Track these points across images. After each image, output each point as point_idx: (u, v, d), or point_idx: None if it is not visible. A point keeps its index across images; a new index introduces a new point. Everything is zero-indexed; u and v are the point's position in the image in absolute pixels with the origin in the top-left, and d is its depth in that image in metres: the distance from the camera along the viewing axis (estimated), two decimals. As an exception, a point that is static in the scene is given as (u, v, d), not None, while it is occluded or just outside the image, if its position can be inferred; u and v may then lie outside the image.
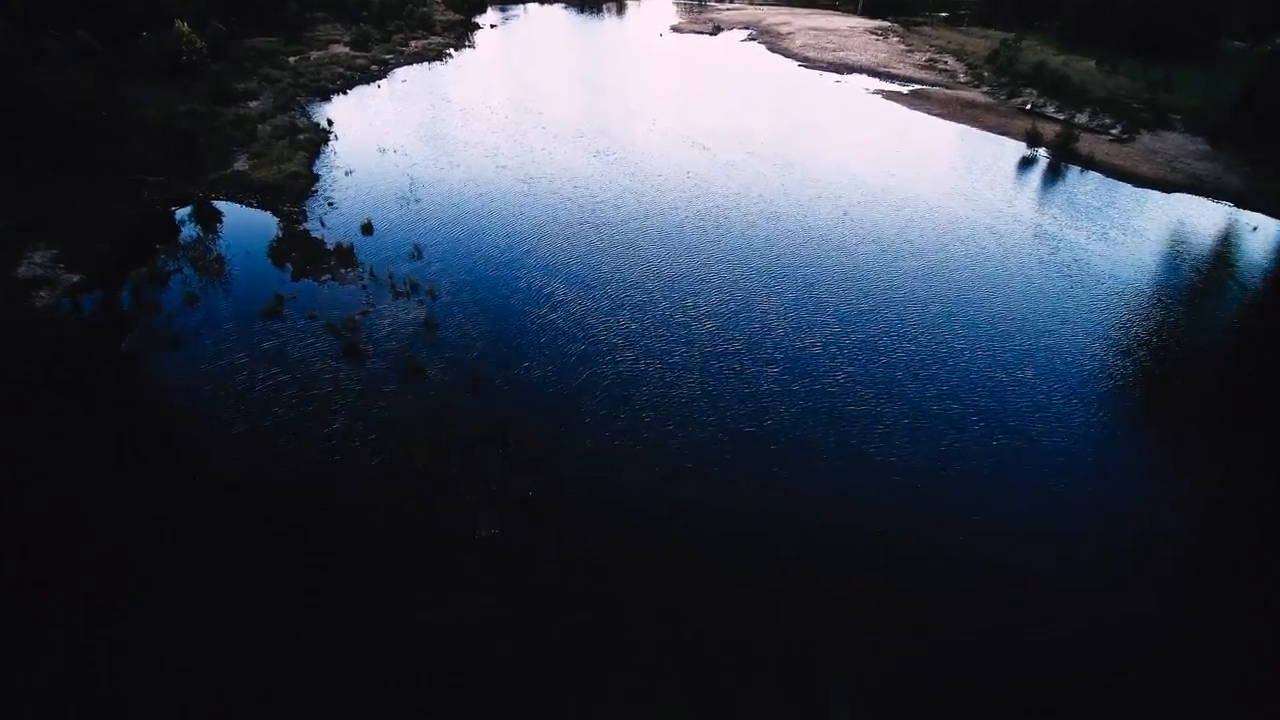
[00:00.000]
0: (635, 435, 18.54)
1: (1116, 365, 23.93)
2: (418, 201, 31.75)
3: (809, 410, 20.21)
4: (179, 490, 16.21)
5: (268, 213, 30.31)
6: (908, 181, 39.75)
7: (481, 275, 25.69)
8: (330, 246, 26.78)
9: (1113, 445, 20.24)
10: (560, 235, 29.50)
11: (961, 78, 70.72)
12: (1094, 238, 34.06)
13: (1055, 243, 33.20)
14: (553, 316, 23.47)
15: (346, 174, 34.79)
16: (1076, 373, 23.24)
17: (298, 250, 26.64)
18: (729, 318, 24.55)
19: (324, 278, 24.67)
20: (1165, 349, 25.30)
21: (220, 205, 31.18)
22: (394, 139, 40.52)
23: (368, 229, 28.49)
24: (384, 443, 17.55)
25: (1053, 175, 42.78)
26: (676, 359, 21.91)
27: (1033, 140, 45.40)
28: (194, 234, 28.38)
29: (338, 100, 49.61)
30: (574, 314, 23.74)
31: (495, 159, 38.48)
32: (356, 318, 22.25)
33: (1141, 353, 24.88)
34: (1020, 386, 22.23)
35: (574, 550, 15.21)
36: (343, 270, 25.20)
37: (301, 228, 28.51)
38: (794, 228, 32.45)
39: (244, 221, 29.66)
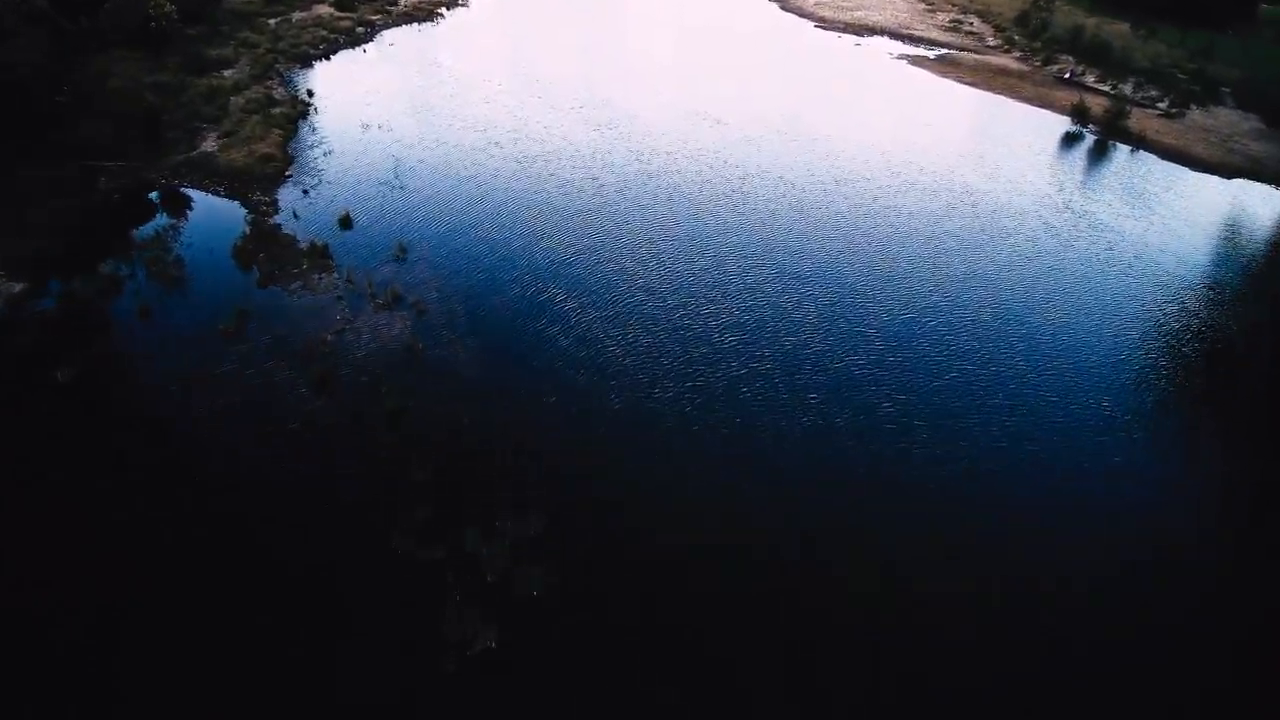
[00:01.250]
0: (665, 507, 15.67)
1: (1197, 391, 20.99)
2: (402, 188, 28.36)
3: (868, 460, 17.33)
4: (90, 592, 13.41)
5: (236, 203, 26.95)
6: (943, 161, 36.21)
7: (473, 281, 22.52)
8: (304, 245, 23.54)
9: (1206, 479, 17.41)
10: (559, 228, 26.23)
11: (990, 41, 66.20)
12: (1157, 231, 30.76)
13: (1114, 236, 29.92)
14: (554, 333, 20.41)
15: (325, 155, 31.29)
16: (1154, 402, 20.30)
17: (267, 250, 23.41)
18: (755, 331, 21.48)
19: (295, 285, 21.51)
20: (1257, 369, 22.33)
21: (185, 193, 27.80)
22: (378, 112, 36.80)
23: (346, 223, 25.19)
24: (357, 521, 14.62)
25: (1101, 156, 39.21)
26: (700, 388, 18.91)
27: (1079, 116, 41.58)
28: (153, 230, 25.08)
29: (320, 67, 45.59)
30: (578, 330, 20.66)
31: (487, 134, 34.86)
32: (329, 338, 19.17)
33: (1226, 376, 21.91)
34: (1096, 423, 19.29)
35: (582, 676, 12.38)
36: (317, 275, 22.01)
37: (272, 221, 25.22)
38: (821, 218, 29.12)
39: (209, 214, 26.33)
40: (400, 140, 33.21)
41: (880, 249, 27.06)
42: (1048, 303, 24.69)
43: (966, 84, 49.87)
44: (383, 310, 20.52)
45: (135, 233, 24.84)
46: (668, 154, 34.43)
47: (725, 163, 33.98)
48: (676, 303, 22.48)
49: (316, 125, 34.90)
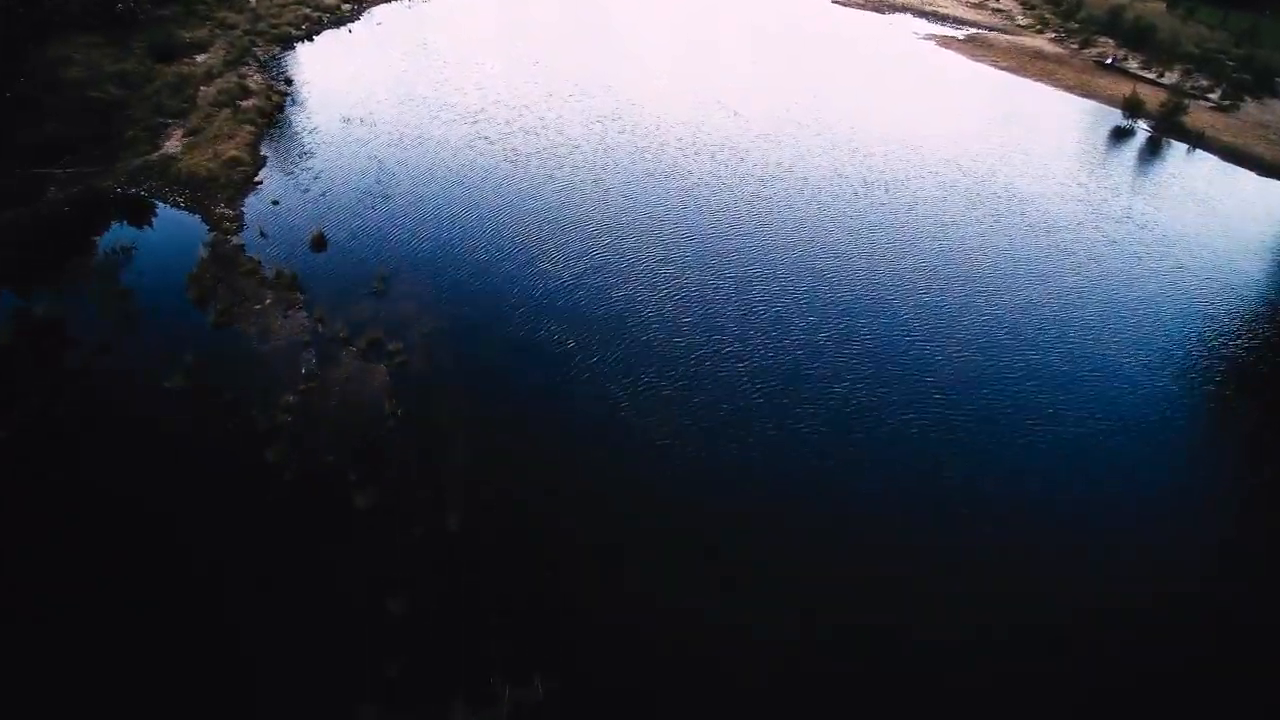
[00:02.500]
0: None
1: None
2: (385, 197, 25.08)
3: (936, 535, 14.42)
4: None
5: (196, 216, 23.72)
6: (983, 160, 32.82)
7: (462, 318, 19.38)
8: (269, 272, 20.38)
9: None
10: (559, 245, 23.02)
11: (1020, 19, 62.09)
12: (1228, 246, 27.54)
13: (1182, 253, 26.71)
14: (557, 390, 17.36)
15: (300, 156, 27.95)
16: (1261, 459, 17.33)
17: (226, 279, 20.25)
18: (793, 379, 18.43)
19: (254, 326, 18.40)
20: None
21: (142, 204, 24.56)
22: (361, 102, 33.32)
23: (319, 243, 22.00)
24: (311, 682, 11.72)
25: (1156, 155, 35.75)
26: (737, 464, 15.94)
27: (1132, 109, 37.92)
28: (103, 252, 21.94)
29: (301, 50, 41.92)
30: (585, 384, 17.62)
31: (478, 126, 31.42)
32: (291, 400, 16.12)
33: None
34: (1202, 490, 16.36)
35: None
36: (282, 313, 18.90)
37: (235, 242, 22.02)
38: (853, 230, 25.86)
39: (166, 230, 23.16)
40: (383, 136, 29.80)
41: (924, 271, 23.87)
42: (1124, 336, 21.60)
43: (1002, 69, 46.11)
44: (357, 360, 17.43)
45: (82, 256, 21.68)
46: (678, 150, 31.06)
47: (742, 161, 30.61)
48: (697, 342, 19.39)
49: (292, 119, 31.49)
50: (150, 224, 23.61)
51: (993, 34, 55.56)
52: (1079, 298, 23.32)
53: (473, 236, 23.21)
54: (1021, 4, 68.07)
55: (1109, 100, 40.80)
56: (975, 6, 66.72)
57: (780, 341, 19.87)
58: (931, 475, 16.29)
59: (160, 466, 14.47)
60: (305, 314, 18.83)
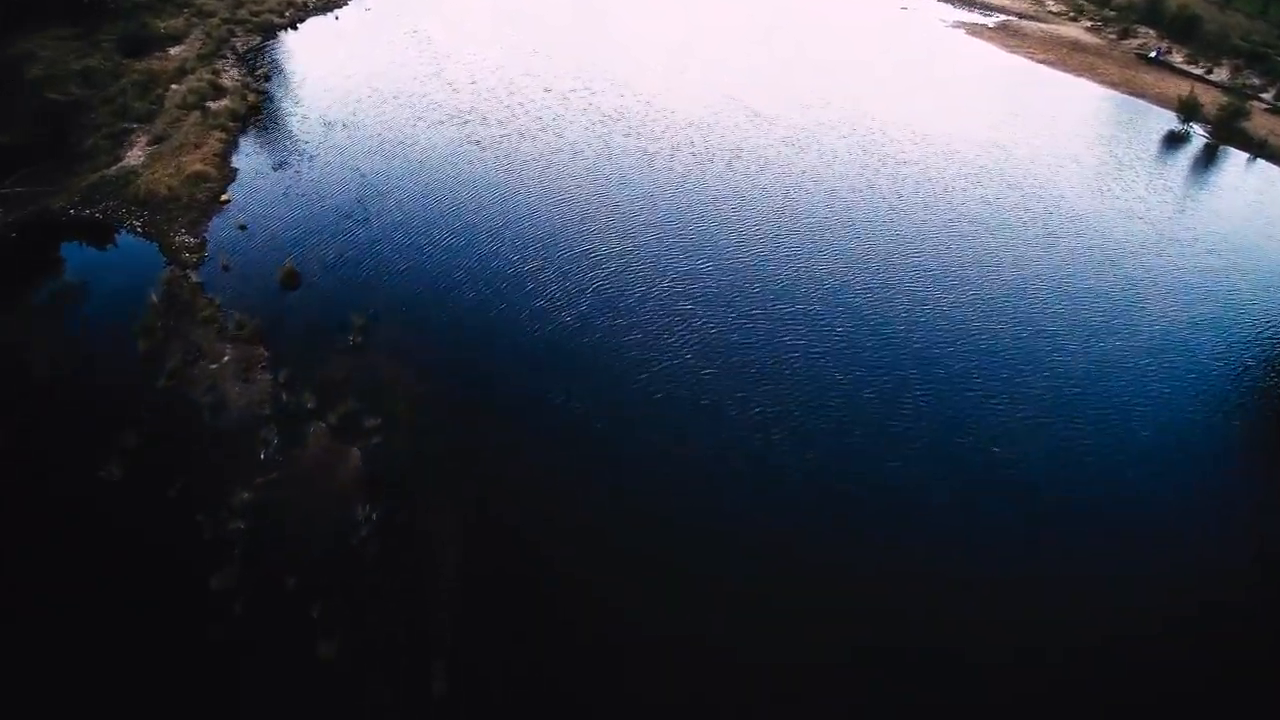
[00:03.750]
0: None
1: None
2: (365, 219, 22.17)
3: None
4: None
5: (154, 244, 20.90)
6: (1031, 169, 29.83)
7: (452, 380, 16.60)
8: (229, 321, 17.57)
9: None
10: (563, 283, 20.12)
11: (1051, 5, 58.54)
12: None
13: (1263, 287, 23.92)
14: (568, 481, 14.67)
15: (274, 168, 25.00)
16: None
17: (180, 329, 17.46)
18: (842, 458, 15.75)
19: (209, 394, 15.66)
20: None
21: (96, 230, 21.72)
22: (344, 101, 30.27)
23: (290, 279, 19.17)
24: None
25: (1213, 165, 32.73)
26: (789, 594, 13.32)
27: (1188, 112, 34.73)
28: (40, 294, 19.15)
29: (284, 40, 38.71)
30: (600, 459, 14.96)
31: (470, 129, 28.35)
32: (246, 497, 13.44)
33: None
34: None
35: None
36: (241, 376, 16.13)
37: (193, 279, 19.19)
38: (893, 257, 22.97)
39: (117, 264, 20.34)
40: (366, 143, 26.79)
41: (977, 310, 21.05)
42: (1214, 406, 18.86)
43: (1040, 61, 42.85)
44: (327, 439, 14.70)
45: (19, 299, 18.84)
46: (691, 156, 28.09)
47: (763, 170, 27.63)
48: (723, 405, 16.67)
49: (268, 123, 28.47)
50: (102, 255, 20.79)
51: (1024, 22, 52.14)
52: (1157, 343, 20.55)
53: (462, 268, 20.38)
54: (1050, -13, 64.44)
55: (1158, 99, 37.68)
56: (1002, -10, 63.10)
57: (820, 403, 17.14)
58: (1016, 579, 13.70)
59: (77, 599, 11.83)
60: (269, 375, 16.07)
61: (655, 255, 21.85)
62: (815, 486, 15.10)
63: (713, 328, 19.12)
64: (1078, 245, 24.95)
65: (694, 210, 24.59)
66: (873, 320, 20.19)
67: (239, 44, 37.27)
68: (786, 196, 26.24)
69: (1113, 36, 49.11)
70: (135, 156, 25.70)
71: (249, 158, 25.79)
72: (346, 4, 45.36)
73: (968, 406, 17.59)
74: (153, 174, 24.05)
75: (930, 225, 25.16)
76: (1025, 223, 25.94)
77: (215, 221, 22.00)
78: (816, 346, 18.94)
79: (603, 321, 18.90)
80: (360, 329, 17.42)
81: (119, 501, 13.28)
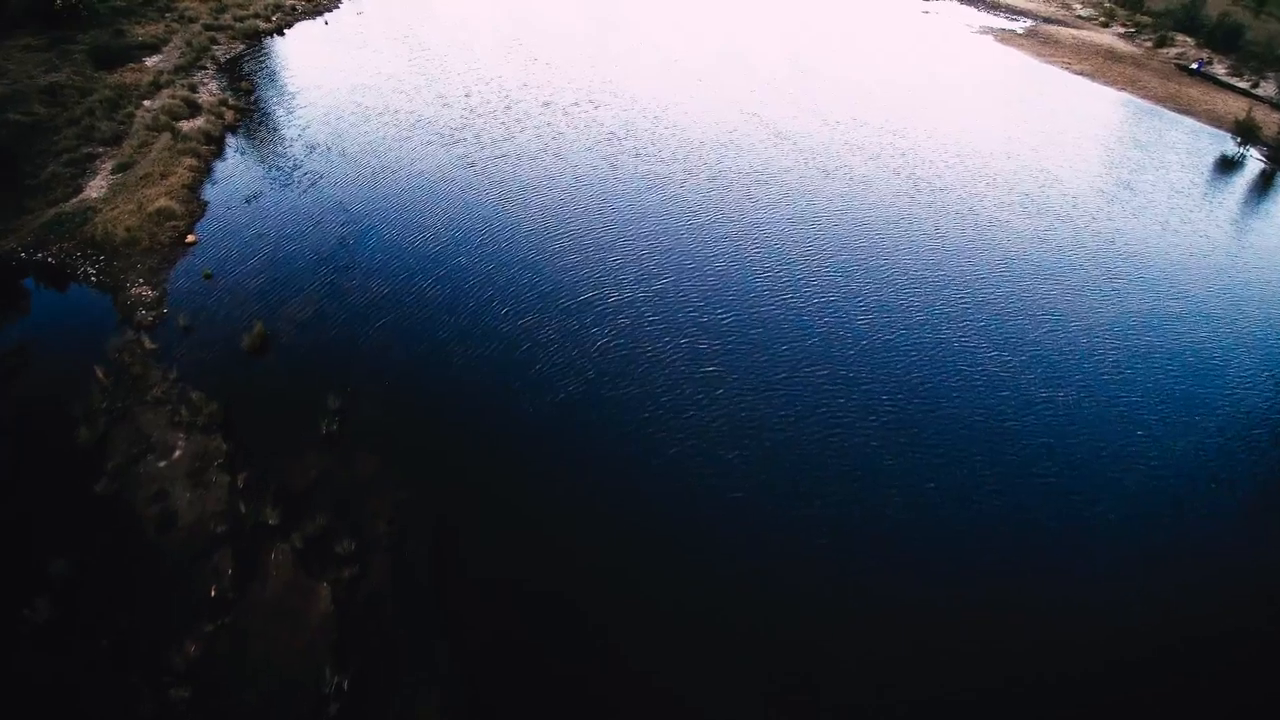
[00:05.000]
0: None
1: None
2: (345, 268, 19.60)
3: None
4: None
5: (108, 298, 18.38)
6: (1082, 199, 27.27)
7: (442, 477, 14.13)
8: (185, 405, 15.03)
9: None
10: (561, 337, 17.60)
11: (1078, 9, 55.84)
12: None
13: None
14: (586, 604, 12.23)
15: (248, 202, 22.44)
16: None
17: (128, 413, 14.93)
18: (895, 610, 13.30)
19: (155, 505, 13.13)
20: None
21: (44, 276, 19.21)
22: (328, 118, 27.73)
23: (257, 345, 16.63)
24: None
25: (1271, 192, 30.13)
26: None
27: (1244, 134, 32.13)
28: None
29: (269, 47, 36.11)
30: (621, 585, 12.50)
31: (462, 150, 25.82)
32: (193, 652, 10.94)
33: None
34: None
35: None
36: (194, 480, 13.61)
37: (148, 345, 16.65)
38: (943, 302, 20.46)
39: (64, 322, 17.78)
40: (350, 170, 24.22)
41: (1045, 377, 18.53)
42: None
43: (1075, 73, 40.19)
44: (291, 569, 12.18)
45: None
46: (708, 184, 25.57)
47: (787, 199, 25.07)
48: (770, 513, 14.20)
49: (245, 145, 25.91)
50: (50, 312, 18.23)
51: (1053, 27, 49.42)
52: (1240, 419, 18.06)
53: (452, 326, 17.83)
54: (1076, -10, 61.70)
55: (1208, 117, 35.08)
56: (1026, -8, 60.36)
57: (877, 512, 14.65)
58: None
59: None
60: (227, 477, 13.56)
61: (669, 306, 19.30)
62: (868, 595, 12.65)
63: (740, 400, 16.61)
64: (1144, 291, 22.43)
65: (711, 250, 22.04)
66: (924, 390, 17.67)
67: (220, 53, 34.67)
68: (814, 232, 23.71)
69: (1148, 45, 46.41)
70: (97, 188, 23.14)
71: (221, 188, 23.23)
72: (338, 6, 42.78)
73: (1041, 501, 15.12)
74: (113, 211, 21.49)
75: (978, 267, 22.63)
76: (1082, 263, 23.41)
77: (179, 267, 19.46)
78: (861, 427, 16.43)
79: (613, 393, 16.38)
80: (335, 413, 14.88)
81: (42, 656, 10.80)
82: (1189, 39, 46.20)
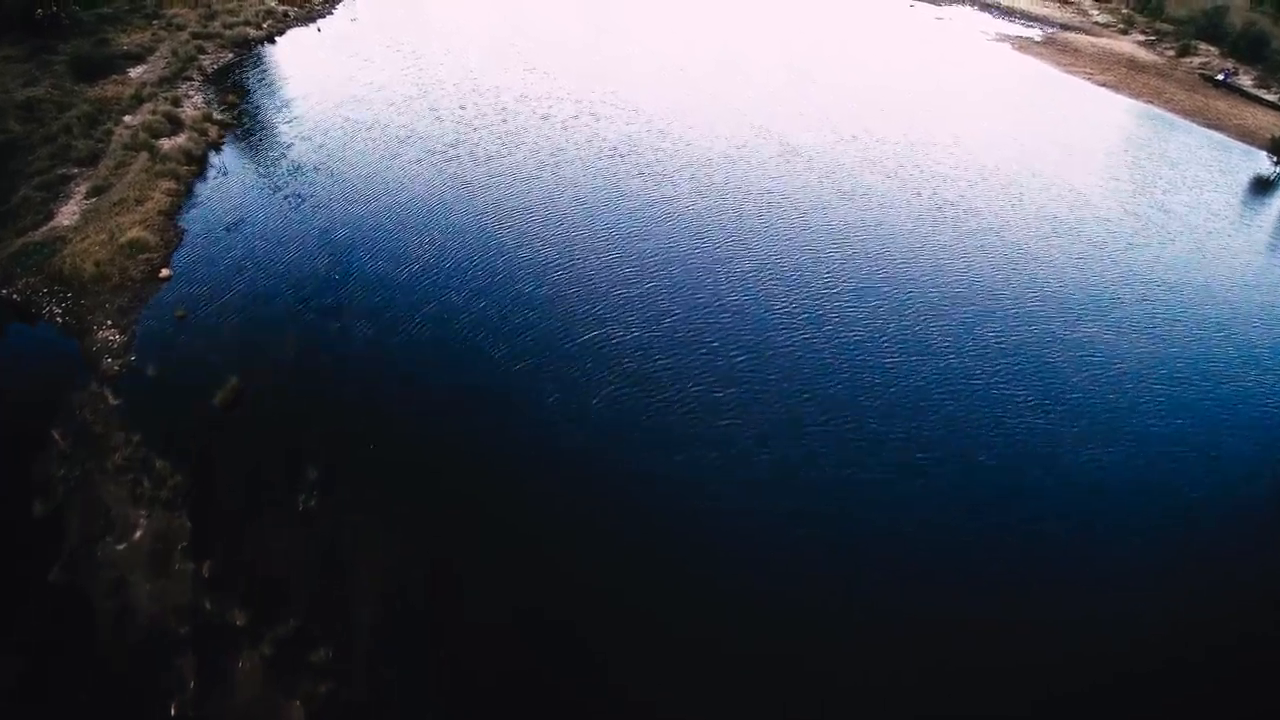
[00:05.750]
0: None
1: None
2: (329, 309, 18.04)
3: None
4: None
5: (74, 342, 16.90)
6: (1115, 221, 25.74)
7: (433, 568, 12.65)
8: (149, 475, 13.56)
9: None
10: (562, 401, 16.09)
11: (1094, 14, 54.32)
12: None
13: None
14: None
15: (228, 230, 20.94)
16: None
17: (87, 482, 13.45)
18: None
19: (112, 596, 11.63)
20: None
21: (7, 313, 17.74)
22: (317, 136, 26.24)
23: (230, 401, 15.15)
24: None
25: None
26: None
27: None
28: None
29: (259, 56, 34.61)
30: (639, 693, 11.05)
31: (454, 168, 24.36)
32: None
33: None
34: None
35: None
36: (154, 569, 12.12)
37: (111, 402, 15.17)
38: (974, 340, 18.91)
39: (25, 370, 16.29)
40: (338, 192, 22.72)
41: (1095, 438, 16.99)
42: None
43: (1099, 84, 38.67)
44: (261, 683, 10.63)
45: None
46: (718, 205, 24.11)
47: (804, 222, 23.59)
48: (800, 580, 12.74)
49: (227, 166, 24.43)
50: (12, 356, 16.80)
51: (1071, 35, 47.88)
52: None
53: (442, 378, 16.29)
54: (1090, -6, 60.14)
55: (1238, 132, 33.60)
56: (1039, -3, 58.80)
57: (922, 583, 13.20)
58: None
59: None
60: (191, 565, 12.09)
61: (679, 345, 17.78)
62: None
63: (761, 458, 15.13)
64: (1188, 328, 20.92)
65: (722, 280, 20.49)
66: (959, 449, 16.17)
67: (208, 62, 33.16)
68: (832, 262, 22.18)
69: (1170, 54, 44.86)
70: (69, 214, 21.66)
71: (200, 213, 21.73)
72: (332, 12, 41.27)
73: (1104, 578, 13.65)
74: (83, 241, 19.98)
75: (1010, 300, 21.10)
76: (1125, 297, 21.86)
77: (151, 305, 17.97)
78: (896, 489, 14.94)
79: (620, 455, 14.90)
80: (312, 486, 13.40)
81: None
82: (1212, 48, 44.68)
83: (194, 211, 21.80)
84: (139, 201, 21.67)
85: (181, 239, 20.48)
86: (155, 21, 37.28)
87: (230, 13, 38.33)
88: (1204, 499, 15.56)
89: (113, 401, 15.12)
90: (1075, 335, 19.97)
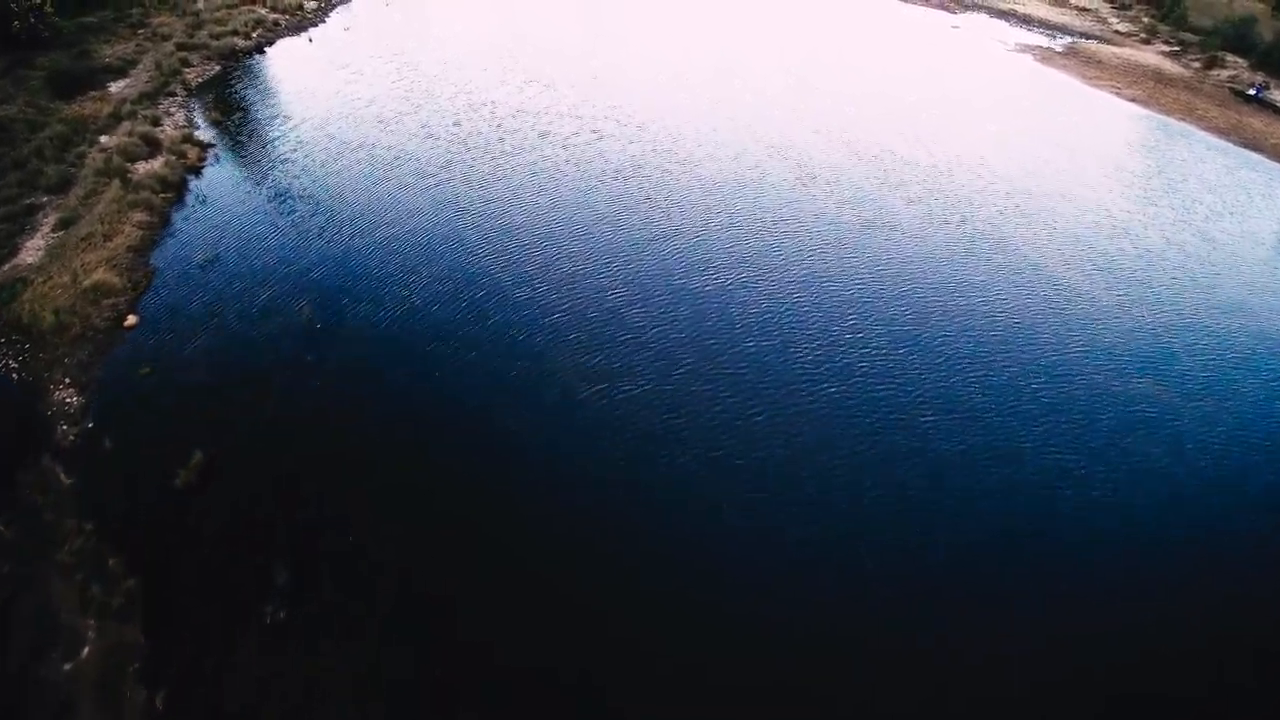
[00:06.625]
0: None
1: None
2: (308, 366, 16.40)
3: None
4: None
5: (28, 403, 15.23)
6: (1158, 253, 24.07)
7: (434, 698, 11.04)
8: (96, 584, 11.84)
9: None
10: (566, 478, 14.52)
11: (1114, 23, 52.58)
12: None
13: None
14: None
15: (203, 266, 19.28)
16: None
17: (34, 581, 11.77)
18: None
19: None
20: None
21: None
22: (302, 157, 24.59)
23: (193, 480, 13.46)
24: None
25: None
26: None
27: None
28: None
29: (247, 68, 32.91)
30: None
31: (446, 191, 22.69)
32: None
33: None
34: None
35: None
36: (101, 700, 10.46)
37: (63, 481, 13.49)
38: (1027, 405, 17.20)
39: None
40: (320, 224, 21.01)
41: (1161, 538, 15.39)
42: None
43: (1127, 98, 36.95)
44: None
45: None
46: (733, 238, 22.43)
47: (825, 258, 21.84)
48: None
49: (206, 193, 22.74)
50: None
51: (1093, 44, 46.15)
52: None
53: (434, 460, 14.64)
54: (1108, 0, 58.38)
55: (1276, 153, 31.92)
56: (1055, 3, 57.06)
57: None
58: None
59: None
60: (143, 692, 10.43)
61: (696, 409, 16.11)
62: None
63: (795, 548, 13.49)
64: (1247, 382, 19.24)
65: (739, 324, 18.79)
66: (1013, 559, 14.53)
67: (193, 76, 31.47)
68: (858, 303, 20.49)
69: (1196, 65, 43.13)
70: (34, 250, 20.00)
71: (174, 248, 20.06)
72: (325, 20, 39.54)
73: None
74: (45, 284, 18.32)
75: (1052, 350, 19.38)
76: (1176, 345, 20.14)
77: (113, 358, 16.30)
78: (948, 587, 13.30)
79: (632, 547, 13.27)
80: (285, 594, 11.72)
81: None
82: (1240, 60, 42.97)
83: (167, 246, 20.12)
84: (107, 237, 19.98)
85: (151, 280, 18.78)
86: (140, 31, 35.62)
87: (218, 22, 36.65)
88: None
89: (65, 481, 13.45)
90: (1125, 390, 18.28)
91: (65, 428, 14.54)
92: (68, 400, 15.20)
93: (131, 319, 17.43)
